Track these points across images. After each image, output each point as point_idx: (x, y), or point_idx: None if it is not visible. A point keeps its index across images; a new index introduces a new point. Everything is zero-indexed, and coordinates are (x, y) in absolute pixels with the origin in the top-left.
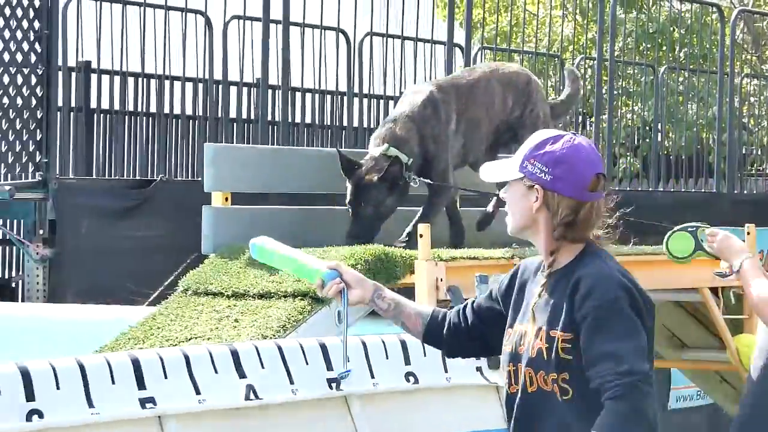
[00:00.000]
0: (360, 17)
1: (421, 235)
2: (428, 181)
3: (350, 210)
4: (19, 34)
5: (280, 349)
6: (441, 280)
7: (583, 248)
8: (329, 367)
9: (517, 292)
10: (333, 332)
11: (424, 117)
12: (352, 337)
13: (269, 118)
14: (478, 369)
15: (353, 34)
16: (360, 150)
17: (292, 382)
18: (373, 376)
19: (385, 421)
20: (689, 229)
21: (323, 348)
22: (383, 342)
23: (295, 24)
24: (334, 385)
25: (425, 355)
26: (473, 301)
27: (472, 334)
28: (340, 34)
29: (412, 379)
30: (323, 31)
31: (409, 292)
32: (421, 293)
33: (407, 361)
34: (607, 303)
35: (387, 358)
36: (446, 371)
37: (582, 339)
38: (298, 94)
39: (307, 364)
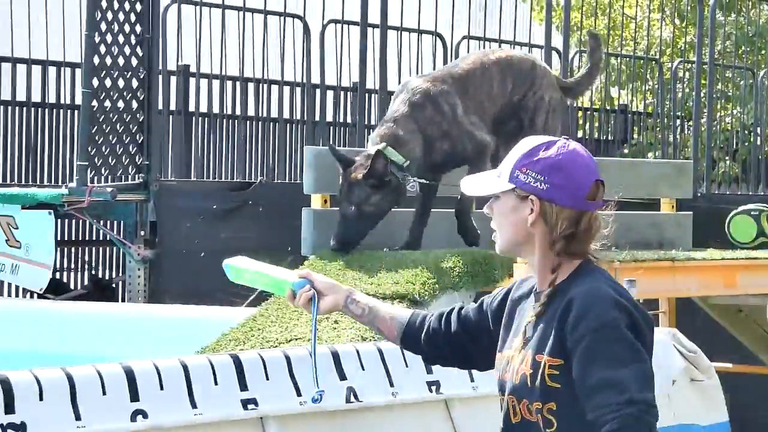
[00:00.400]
0: (457, 21)
1: None
2: (423, 180)
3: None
4: (120, 38)
5: (380, 351)
6: None
7: (579, 265)
8: (428, 370)
9: (508, 314)
10: None
11: (426, 117)
12: None
13: (365, 122)
14: None
15: (450, 38)
16: None
17: (392, 385)
18: (472, 380)
19: (486, 424)
20: (752, 213)
21: None
22: None
23: (393, 28)
24: (434, 388)
25: None
26: (460, 308)
27: (452, 342)
28: (437, 37)
29: None
30: (420, 34)
31: None
32: None
33: None
34: (603, 325)
35: None
36: None
37: (576, 367)
38: None
39: (407, 366)
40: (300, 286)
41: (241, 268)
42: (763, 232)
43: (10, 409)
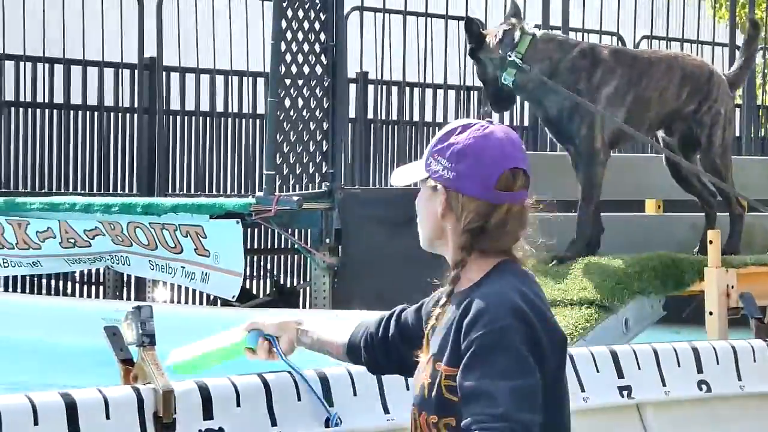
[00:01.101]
0: (638, 20)
1: (710, 242)
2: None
3: None
4: (306, 47)
5: (571, 356)
6: (732, 287)
7: (494, 265)
8: (620, 375)
9: (426, 317)
10: (621, 340)
11: (575, 64)
12: (643, 345)
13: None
14: None
15: (632, 37)
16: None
17: (583, 390)
18: (664, 384)
19: (678, 430)
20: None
21: (614, 355)
22: (674, 349)
23: (574, 29)
24: (625, 393)
25: (718, 363)
26: (401, 311)
27: (388, 349)
28: (615, 38)
29: (704, 387)
30: (601, 36)
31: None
32: (711, 300)
33: (699, 369)
34: (492, 332)
35: (679, 365)
36: (740, 379)
37: (459, 372)
38: None
39: (597, 371)
40: (253, 341)
41: (187, 362)
42: None
43: (208, 414)
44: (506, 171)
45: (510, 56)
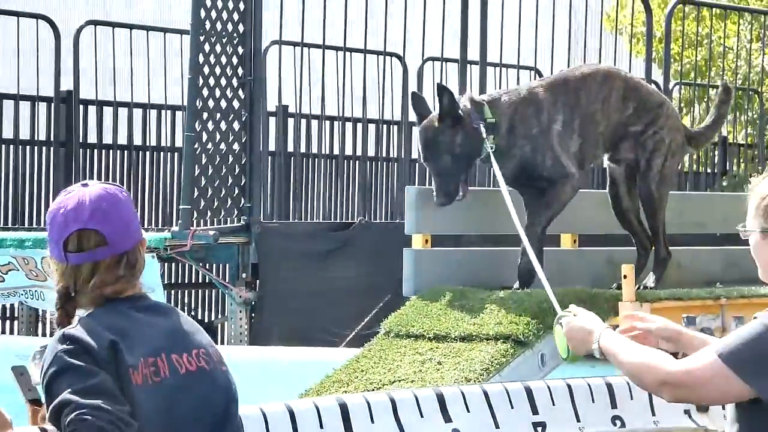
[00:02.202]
0: (555, 55)
1: (624, 276)
2: (492, 145)
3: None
4: (223, 81)
5: (485, 393)
6: None
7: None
8: (534, 411)
9: None
10: (537, 375)
11: (523, 111)
12: (557, 381)
13: None
14: (686, 412)
15: (549, 71)
16: None
17: (497, 427)
18: (579, 420)
19: None
20: (560, 322)
21: (528, 391)
22: (589, 385)
23: (492, 64)
24: (540, 429)
25: (632, 398)
26: None
27: None
28: (536, 72)
29: (618, 422)
30: (519, 70)
31: None
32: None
33: (613, 404)
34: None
35: (593, 401)
36: (653, 414)
37: None
38: None
39: (512, 408)
40: None
41: None
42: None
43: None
44: (71, 234)
45: (487, 121)
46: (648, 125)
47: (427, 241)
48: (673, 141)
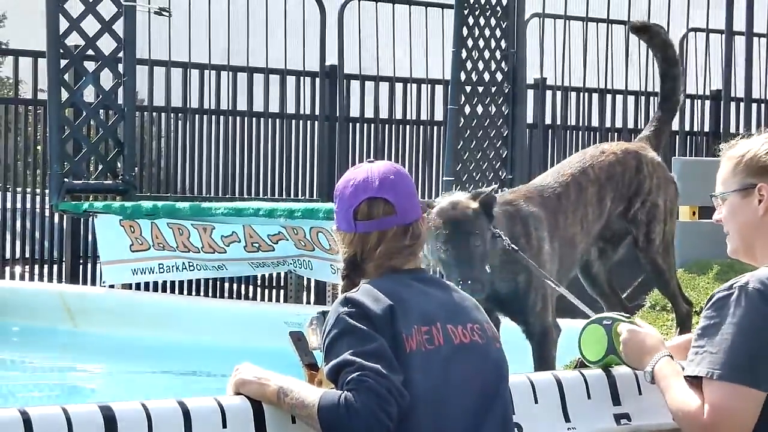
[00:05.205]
0: None
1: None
2: (513, 246)
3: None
4: (486, 54)
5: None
6: None
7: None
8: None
9: None
10: None
11: (513, 233)
12: None
13: (732, 130)
14: None
15: None
16: None
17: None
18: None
19: None
20: (605, 322)
21: None
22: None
23: (758, 35)
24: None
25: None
26: None
27: None
28: None
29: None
30: None
31: None
32: None
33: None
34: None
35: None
36: None
37: None
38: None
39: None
40: None
41: None
42: (614, 350)
43: None
44: (362, 202)
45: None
46: (632, 198)
47: (694, 212)
48: (668, 197)
